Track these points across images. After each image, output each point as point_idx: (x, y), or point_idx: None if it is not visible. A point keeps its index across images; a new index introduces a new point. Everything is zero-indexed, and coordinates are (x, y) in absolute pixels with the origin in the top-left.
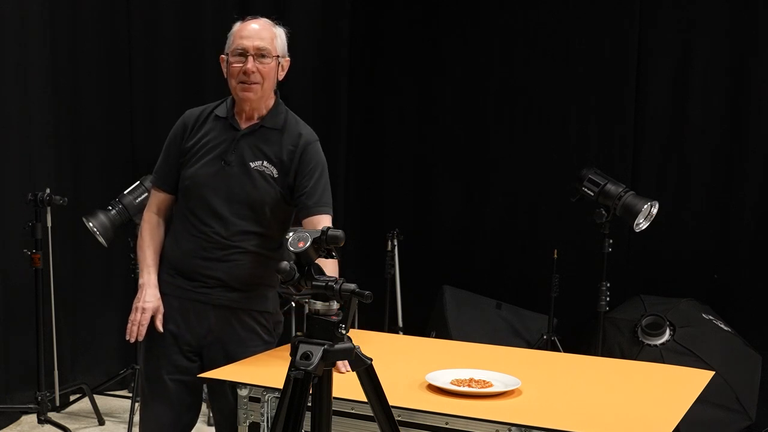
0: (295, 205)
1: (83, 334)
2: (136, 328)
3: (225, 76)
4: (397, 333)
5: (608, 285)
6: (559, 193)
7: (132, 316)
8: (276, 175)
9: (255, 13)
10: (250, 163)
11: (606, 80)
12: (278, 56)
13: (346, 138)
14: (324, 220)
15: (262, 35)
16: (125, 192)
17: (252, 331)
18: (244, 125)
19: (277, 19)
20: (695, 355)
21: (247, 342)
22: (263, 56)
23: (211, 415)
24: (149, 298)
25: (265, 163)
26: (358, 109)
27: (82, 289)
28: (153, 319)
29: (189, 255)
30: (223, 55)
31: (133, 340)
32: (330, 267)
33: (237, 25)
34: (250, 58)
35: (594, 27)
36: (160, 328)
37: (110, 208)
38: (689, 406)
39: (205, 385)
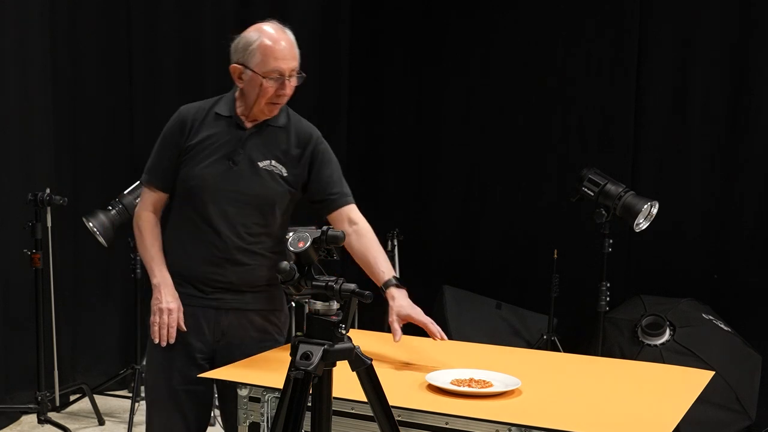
0: (317, 200)
1: (83, 334)
2: (165, 330)
3: (240, 86)
4: None
5: (608, 285)
6: (559, 193)
7: (155, 319)
8: (285, 174)
9: (254, 13)
10: (259, 163)
11: (606, 80)
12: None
13: (346, 138)
14: (354, 210)
15: (293, 53)
16: (125, 192)
17: (264, 331)
18: (249, 124)
19: (281, 20)
20: (695, 355)
21: (260, 342)
22: (292, 75)
23: (215, 415)
24: (170, 297)
25: (273, 162)
26: (358, 109)
27: (82, 289)
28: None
29: (200, 262)
30: (238, 66)
31: (164, 343)
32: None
33: (261, 41)
34: (286, 80)
35: (594, 26)
36: (184, 327)
37: (110, 208)
38: (689, 406)
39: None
